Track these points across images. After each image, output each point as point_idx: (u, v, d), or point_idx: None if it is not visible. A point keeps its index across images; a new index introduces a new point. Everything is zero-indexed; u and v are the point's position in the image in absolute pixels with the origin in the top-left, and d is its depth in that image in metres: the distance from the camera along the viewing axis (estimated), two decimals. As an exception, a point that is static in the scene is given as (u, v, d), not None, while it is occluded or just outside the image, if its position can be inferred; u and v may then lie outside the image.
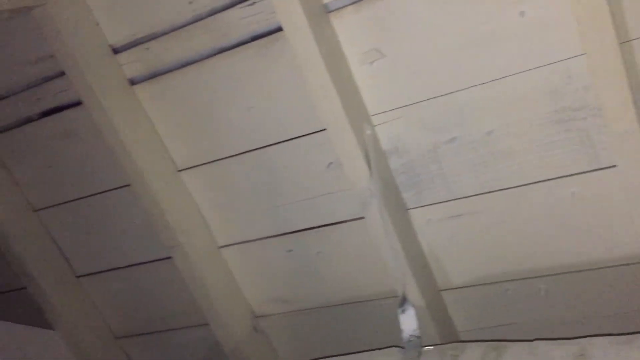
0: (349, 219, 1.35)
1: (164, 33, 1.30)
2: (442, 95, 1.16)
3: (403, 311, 1.16)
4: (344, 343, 1.49)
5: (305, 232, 1.42)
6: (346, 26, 1.16)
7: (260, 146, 1.35)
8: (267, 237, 1.47)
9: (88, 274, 1.71)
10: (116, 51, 1.36)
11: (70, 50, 1.27)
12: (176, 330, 1.68)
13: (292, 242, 1.45)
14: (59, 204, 1.64)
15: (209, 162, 1.43)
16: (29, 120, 1.54)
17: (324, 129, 1.25)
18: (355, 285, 1.43)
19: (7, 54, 1.45)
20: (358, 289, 1.43)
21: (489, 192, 1.24)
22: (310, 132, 1.28)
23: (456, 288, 1.37)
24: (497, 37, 1.09)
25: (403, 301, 1.18)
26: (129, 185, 1.47)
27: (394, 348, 1.19)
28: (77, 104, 1.44)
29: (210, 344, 1.62)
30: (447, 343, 1.20)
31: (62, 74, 1.41)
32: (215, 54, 1.29)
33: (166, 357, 1.75)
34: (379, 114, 1.23)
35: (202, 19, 1.25)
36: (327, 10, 1.16)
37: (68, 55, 1.28)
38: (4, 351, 1.58)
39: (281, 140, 1.33)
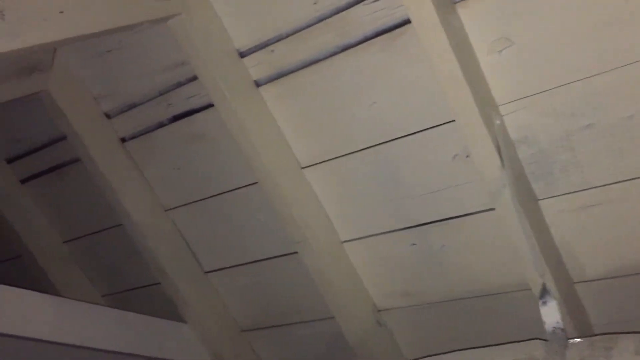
0: (476, 210, 1.34)
1: (289, 34, 1.34)
2: (577, 81, 1.13)
3: (544, 303, 1.14)
4: (469, 337, 1.48)
5: (429, 225, 1.42)
6: (473, 15, 1.15)
7: (383, 141, 1.36)
8: (390, 232, 1.49)
9: (215, 270, 1.79)
10: (242, 55, 1.41)
11: (203, 56, 1.34)
12: (300, 324, 1.73)
13: (416, 235, 1.45)
14: (188, 203, 1.73)
15: (331, 159, 1.46)
16: (160, 125, 1.63)
17: (450, 121, 1.25)
18: (483, 277, 1.41)
19: (141, 63, 1.55)
20: (486, 282, 1.41)
21: (627, 180, 1.19)
22: (435, 124, 1.28)
23: (590, 280, 1.32)
24: (636, 16, 1.05)
25: (543, 293, 1.15)
26: (255, 183, 1.54)
27: (536, 340, 1.16)
28: (206, 107, 1.52)
29: (333, 337, 1.65)
30: (592, 335, 1.16)
31: (192, 79, 1.49)
32: (338, 52, 1.32)
33: (290, 350, 1.80)
34: (507, 103, 1.21)
35: (326, 18, 1.29)
36: (453, 1, 1.15)
37: (200, 61, 1.35)
38: (142, 341, 1.69)
39: (405, 134, 1.33)
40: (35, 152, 1.88)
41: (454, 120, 1.23)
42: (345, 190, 1.48)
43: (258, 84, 1.43)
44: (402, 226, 1.46)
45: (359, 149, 1.40)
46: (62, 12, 1.06)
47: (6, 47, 0.99)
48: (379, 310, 1.60)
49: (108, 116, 1.67)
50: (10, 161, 1.93)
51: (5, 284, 1.48)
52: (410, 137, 1.33)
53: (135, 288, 1.99)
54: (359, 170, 1.44)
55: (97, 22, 1.13)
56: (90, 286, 2.05)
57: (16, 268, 2.08)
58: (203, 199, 1.69)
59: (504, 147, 1.18)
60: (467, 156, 1.28)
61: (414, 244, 1.47)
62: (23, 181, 1.94)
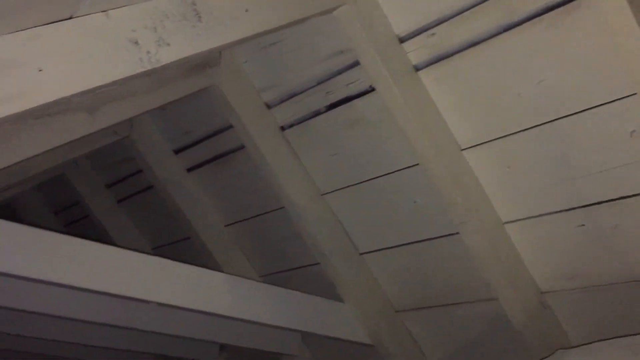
0: (655, 189, 1.28)
1: (451, 17, 1.35)
2: None
3: None
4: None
5: (599, 205, 1.38)
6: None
7: (552, 119, 1.33)
8: (555, 212, 1.45)
9: (370, 252, 1.85)
10: (402, 40, 1.44)
11: (366, 43, 1.38)
12: (458, 305, 1.74)
13: (584, 216, 1.41)
14: (343, 187, 1.79)
15: (493, 140, 1.45)
16: (317, 113, 1.71)
17: (628, 96, 1.20)
18: (662, 259, 1.35)
19: (301, 54, 1.62)
20: (665, 264, 1.35)
21: None
22: (612, 99, 1.24)
23: None
24: None
25: None
26: (414, 165, 1.56)
27: None
28: (365, 93, 1.57)
29: (494, 318, 1.65)
30: None
31: (351, 67, 1.55)
32: (502, 32, 1.31)
33: (446, 331, 1.82)
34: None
35: (491, -3, 1.28)
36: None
37: (363, 47, 1.39)
38: (305, 318, 1.78)
39: (576, 111, 1.30)
40: (200, 142, 2.03)
41: (633, 94, 1.18)
42: (507, 171, 1.47)
43: (417, 68, 1.46)
44: (569, 206, 1.42)
45: (524, 129, 1.38)
46: (247, 10, 1.14)
47: (204, 47, 1.08)
48: (542, 293, 1.57)
49: (268, 106, 1.77)
50: (177, 152, 2.10)
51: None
52: (581, 114, 1.29)
53: (292, 269, 2.10)
54: (523, 150, 1.42)
55: (276, 18, 1.20)
56: (249, 266, 2.19)
57: (186, 248, 2.27)
58: (359, 183, 1.74)
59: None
60: (645, 132, 1.23)
61: (582, 225, 1.43)
62: (189, 170, 2.11)
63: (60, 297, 1.71)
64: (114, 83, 1.02)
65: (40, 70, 0.91)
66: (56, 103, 0.96)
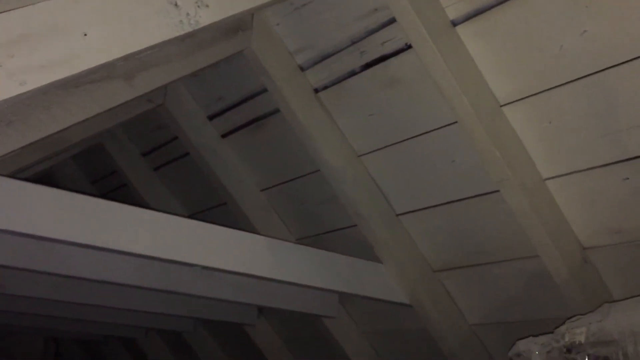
0: None
1: (490, -32, 1.32)
2: None
3: None
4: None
5: (646, 157, 1.35)
6: None
7: (597, 70, 1.30)
8: (598, 167, 1.43)
9: (407, 212, 1.85)
10: (439, -6, 1.41)
11: (402, -1, 1.36)
12: (497, 263, 1.73)
13: (629, 169, 1.39)
14: (379, 148, 1.78)
15: (533, 95, 1.42)
16: (352, 73, 1.69)
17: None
18: None
19: (334, 14, 1.60)
20: None
21: None
22: (659, 48, 1.20)
23: None
24: None
25: None
26: (452, 124, 1.55)
27: None
28: (400, 51, 1.55)
29: (535, 275, 1.65)
30: None
31: (386, 25, 1.52)
32: (543, -19, 1.27)
33: (484, 289, 1.82)
34: None
35: (532, -54, 1.24)
36: None
37: (399, 4, 1.37)
38: (345, 280, 1.80)
39: (621, 61, 1.26)
40: (233, 108, 2.04)
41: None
42: (548, 126, 1.44)
43: (455, 24, 1.43)
44: (613, 160, 1.40)
45: (566, 82, 1.35)
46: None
47: (242, 7, 1.08)
48: (584, 249, 1.55)
49: (302, 69, 1.76)
50: (211, 118, 2.11)
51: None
52: (627, 64, 1.25)
53: (328, 232, 2.11)
54: (566, 104, 1.39)
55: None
56: (286, 230, 2.21)
57: (222, 214, 2.30)
58: (395, 143, 1.73)
59: None
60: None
61: (627, 178, 1.40)
62: (224, 135, 2.12)
63: (104, 262, 1.75)
64: (155, 46, 1.02)
65: (85, 35, 0.91)
66: (100, 68, 0.97)
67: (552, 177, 1.51)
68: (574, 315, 1.36)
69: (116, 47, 0.95)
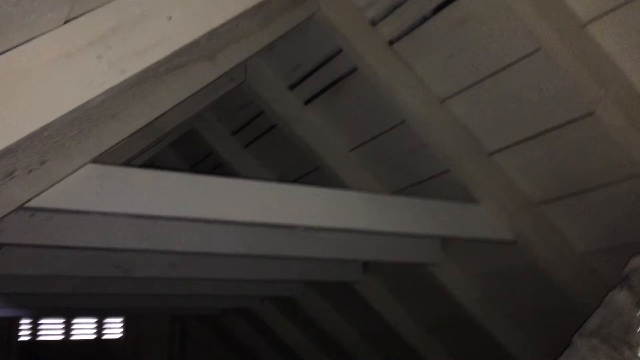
0: None
1: None
2: None
3: None
4: None
5: None
6: None
7: (684, -32, 1.23)
8: (698, 71, 1.36)
9: (499, 149, 1.83)
10: None
11: None
12: (601, 187, 1.69)
13: None
14: (463, 89, 1.77)
15: (618, 7, 1.36)
16: (424, 19, 1.68)
17: None
18: None
19: (399, -39, 1.60)
20: None
21: None
22: None
23: None
24: None
25: None
26: (535, 51, 1.51)
27: None
28: (471, -13, 1.52)
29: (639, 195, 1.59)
30: None
31: (453, -38, 1.50)
32: None
33: (588, 216, 1.78)
34: None
35: None
36: None
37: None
38: (447, 224, 1.82)
39: None
40: (311, 74, 2.08)
41: None
42: (637, 36, 1.38)
43: (524, -53, 1.39)
44: None
45: (652, -14, 1.29)
46: None
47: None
48: (689, 160, 1.49)
49: (373, 23, 1.77)
50: (292, 87, 2.17)
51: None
52: None
53: (421, 181, 2.12)
54: (654, 10, 1.32)
55: None
56: (379, 186, 2.25)
57: (315, 179, 2.37)
58: (478, 82, 1.71)
59: None
60: None
61: None
62: (306, 102, 2.17)
63: (212, 235, 1.87)
64: (234, 20, 1.08)
65: (169, 19, 0.98)
66: (187, 48, 1.04)
67: (649, 90, 1.45)
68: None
69: (199, 25, 1.02)
